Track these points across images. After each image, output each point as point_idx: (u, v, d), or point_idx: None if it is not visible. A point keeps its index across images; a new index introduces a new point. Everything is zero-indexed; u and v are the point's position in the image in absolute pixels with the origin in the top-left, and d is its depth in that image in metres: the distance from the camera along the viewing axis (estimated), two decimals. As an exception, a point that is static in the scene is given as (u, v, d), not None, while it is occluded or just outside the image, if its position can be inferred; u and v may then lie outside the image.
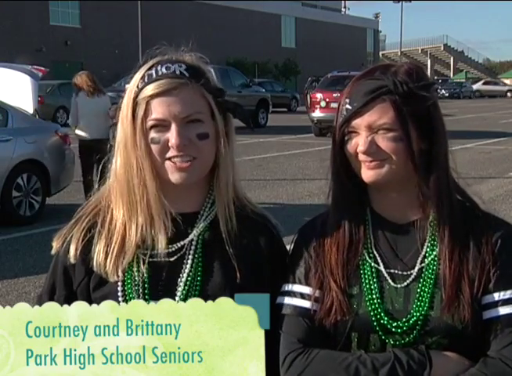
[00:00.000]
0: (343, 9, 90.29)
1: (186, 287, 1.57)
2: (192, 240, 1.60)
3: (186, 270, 1.58)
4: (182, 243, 1.60)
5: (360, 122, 1.52)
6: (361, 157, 1.53)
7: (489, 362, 1.47)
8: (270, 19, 65.81)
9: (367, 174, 1.54)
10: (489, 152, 16.96)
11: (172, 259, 1.59)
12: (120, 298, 1.57)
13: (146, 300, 1.56)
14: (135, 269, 1.58)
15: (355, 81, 1.57)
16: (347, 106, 1.54)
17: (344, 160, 1.57)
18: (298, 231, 1.67)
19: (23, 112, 9.30)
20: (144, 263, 1.58)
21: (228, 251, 1.59)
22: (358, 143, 1.53)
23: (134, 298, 1.56)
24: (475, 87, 69.56)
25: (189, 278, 1.58)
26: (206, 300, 1.55)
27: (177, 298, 1.56)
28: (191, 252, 1.60)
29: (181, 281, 1.58)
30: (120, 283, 1.58)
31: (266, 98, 26.27)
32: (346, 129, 1.55)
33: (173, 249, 1.60)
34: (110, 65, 47.71)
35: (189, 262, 1.59)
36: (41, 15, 46.76)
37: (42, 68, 10.54)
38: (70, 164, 9.59)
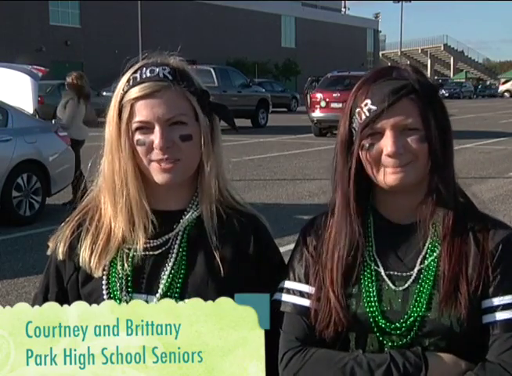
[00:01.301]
0: (343, 9, 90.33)
1: (169, 280, 1.60)
2: (177, 234, 1.63)
3: (170, 264, 1.61)
4: (167, 236, 1.63)
5: (387, 122, 1.48)
6: (386, 160, 1.50)
7: (488, 366, 1.46)
8: (270, 19, 65.80)
9: (391, 178, 1.50)
10: (489, 152, 16.96)
11: (157, 253, 1.62)
12: (104, 291, 1.60)
13: (128, 293, 1.59)
14: (118, 264, 1.61)
15: (369, 82, 1.53)
16: (371, 107, 1.49)
17: (359, 165, 1.54)
18: (301, 230, 1.67)
19: (23, 112, 9.30)
20: (128, 258, 1.61)
21: (212, 249, 1.61)
22: (382, 147, 1.50)
23: (117, 293, 1.59)
24: (505, 87, 69.03)
25: (172, 271, 1.60)
26: (186, 294, 1.58)
27: (159, 291, 1.59)
28: (176, 246, 1.62)
29: (164, 274, 1.60)
30: (104, 278, 1.61)
31: (266, 98, 26.25)
32: (370, 131, 1.51)
33: (158, 243, 1.63)
34: (110, 65, 47.70)
35: (174, 255, 1.62)
36: (41, 15, 46.74)
37: (42, 68, 10.53)
38: (70, 164, 9.58)
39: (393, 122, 1.48)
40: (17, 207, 8.77)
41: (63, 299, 1.64)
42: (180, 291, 1.58)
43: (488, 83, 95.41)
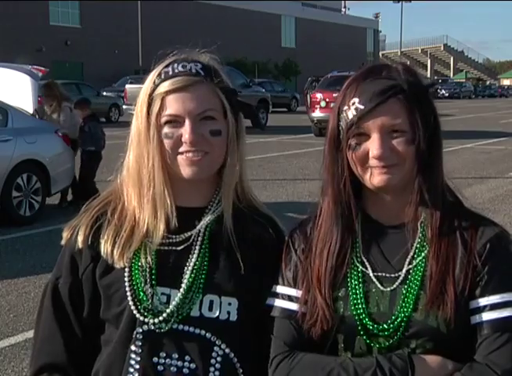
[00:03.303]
0: (343, 9, 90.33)
1: (193, 275, 1.59)
2: (199, 231, 1.63)
3: (193, 259, 1.60)
4: (189, 233, 1.63)
5: (373, 122, 1.47)
6: (372, 162, 1.49)
7: (475, 367, 1.44)
8: (270, 19, 65.82)
9: (377, 179, 1.50)
10: (489, 152, 16.97)
11: (179, 248, 1.62)
12: (126, 284, 1.58)
13: (152, 286, 1.57)
14: (142, 256, 1.60)
15: (359, 80, 1.52)
16: (358, 105, 1.48)
17: (347, 164, 1.54)
18: (289, 233, 1.67)
19: (23, 112, 9.31)
20: (151, 251, 1.60)
21: (233, 246, 1.61)
22: (368, 148, 1.49)
23: (140, 285, 1.58)
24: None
25: (195, 266, 1.60)
26: (212, 287, 1.58)
27: (183, 285, 1.58)
28: (198, 243, 1.62)
29: (187, 269, 1.60)
30: (127, 270, 1.60)
31: (266, 98, 26.27)
32: (356, 131, 1.49)
33: (180, 239, 1.62)
34: (110, 65, 47.70)
35: (196, 251, 1.61)
36: (41, 15, 46.74)
37: (42, 68, 10.52)
38: (70, 164, 9.60)
39: (379, 123, 1.47)
40: (17, 207, 8.77)
41: (76, 290, 1.64)
42: (203, 286, 1.59)
43: (488, 83, 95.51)
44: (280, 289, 1.60)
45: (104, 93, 29.99)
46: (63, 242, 1.69)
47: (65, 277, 1.67)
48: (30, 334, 5.03)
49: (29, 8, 44.63)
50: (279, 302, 1.58)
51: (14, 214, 8.75)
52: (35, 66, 10.38)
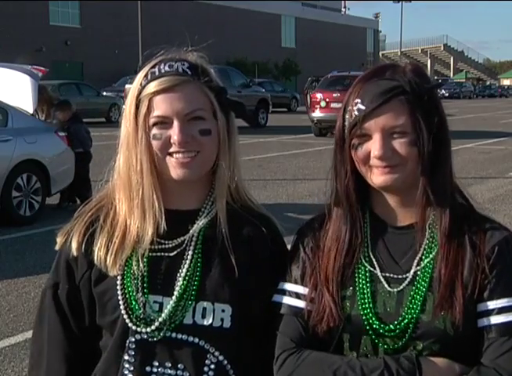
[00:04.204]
0: (343, 9, 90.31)
1: (185, 282, 1.57)
2: (192, 235, 1.61)
3: (186, 265, 1.58)
4: (182, 238, 1.61)
5: (375, 123, 1.47)
6: (374, 162, 1.49)
7: (483, 371, 1.44)
8: (270, 19, 65.81)
9: (379, 179, 1.50)
10: (489, 152, 16.97)
11: (172, 254, 1.60)
12: (119, 292, 1.57)
13: (143, 294, 1.55)
14: (134, 263, 1.58)
15: (363, 81, 1.52)
16: (360, 106, 1.48)
17: (353, 163, 1.54)
18: (297, 231, 1.66)
19: (23, 112, 9.31)
20: (143, 258, 1.58)
21: (227, 249, 1.59)
22: (370, 148, 1.49)
23: (132, 293, 1.56)
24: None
25: (188, 273, 1.58)
26: (205, 294, 1.56)
27: (175, 293, 1.56)
28: (191, 248, 1.60)
29: (180, 276, 1.57)
30: (119, 278, 1.58)
31: (266, 98, 26.28)
32: (358, 131, 1.50)
33: (173, 244, 1.60)
34: (110, 65, 47.70)
35: (189, 257, 1.59)
36: (41, 15, 46.73)
37: (42, 68, 10.52)
38: (70, 164, 9.60)
39: (381, 125, 1.47)
40: (17, 207, 8.77)
41: (74, 297, 1.63)
42: (196, 293, 1.56)
43: (488, 83, 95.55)
44: (288, 286, 1.59)
45: (104, 93, 29.97)
46: (57, 247, 1.67)
47: (62, 283, 1.66)
48: (30, 334, 5.05)
49: (29, 8, 44.62)
50: (286, 299, 1.58)
51: (14, 214, 8.75)
52: (35, 66, 10.38)
